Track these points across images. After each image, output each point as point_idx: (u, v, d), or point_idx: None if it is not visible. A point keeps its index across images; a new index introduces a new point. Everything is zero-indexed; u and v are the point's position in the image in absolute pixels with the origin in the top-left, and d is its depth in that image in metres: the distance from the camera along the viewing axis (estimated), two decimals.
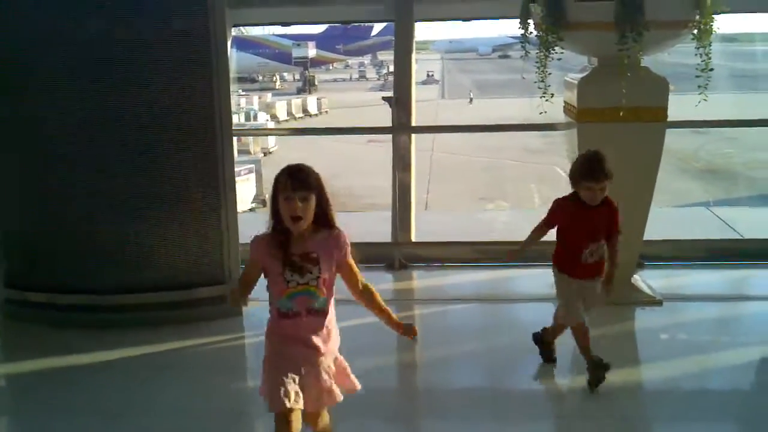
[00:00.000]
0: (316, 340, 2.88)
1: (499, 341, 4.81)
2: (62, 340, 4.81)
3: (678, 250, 6.16)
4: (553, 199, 4.01)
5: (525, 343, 4.34)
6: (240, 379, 4.41)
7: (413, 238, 6.40)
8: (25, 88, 4.85)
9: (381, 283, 5.97)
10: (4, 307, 5.28)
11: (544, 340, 4.27)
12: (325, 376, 2.92)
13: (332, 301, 2.95)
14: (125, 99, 4.76)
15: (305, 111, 43.67)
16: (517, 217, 10.73)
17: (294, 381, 2.81)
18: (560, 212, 3.95)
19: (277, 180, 2.81)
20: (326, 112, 44.63)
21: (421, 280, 6.09)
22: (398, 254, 6.16)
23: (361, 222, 9.05)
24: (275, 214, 2.81)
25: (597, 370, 3.84)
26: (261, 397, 2.91)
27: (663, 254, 6.02)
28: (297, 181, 2.76)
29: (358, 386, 3.09)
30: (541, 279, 5.70)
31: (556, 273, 4.05)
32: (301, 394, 2.82)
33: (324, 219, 2.84)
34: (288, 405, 2.75)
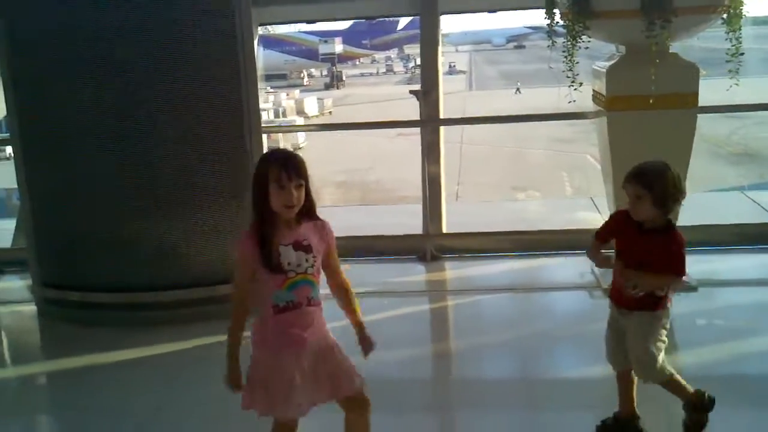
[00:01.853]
0: (316, 330, 2.78)
1: (532, 331, 4.81)
2: (97, 338, 4.89)
3: (712, 235, 6.09)
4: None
5: (557, 332, 4.34)
6: None
7: (444, 230, 6.41)
8: (54, 86, 4.93)
9: (413, 274, 6.01)
10: (43, 306, 5.38)
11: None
12: (337, 355, 2.82)
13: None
14: (153, 97, 4.81)
15: (300, 113, 38.21)
16: (549, 206, 10.71)
17: (302, 392, 2.72)
18: (612, 224, 3.42)
19: (267, 168, 2.70)
20: (329, 113, 40.78)
21: (453, 270, 6.10)
22: (430, 246, 6.18)
23: (393, 215, 9.10)
24: (261, 204, 2.70)
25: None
26: (247, 410, 2.79)
27: (697, 240, 5.96)
28: (292, 169, 2.68)
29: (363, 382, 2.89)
30: (572, 268, 5.73)
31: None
32: (308, 399, 2.75)
33: (309, 209, 2.77)
34: (297, 415, 2.77)
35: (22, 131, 5.16)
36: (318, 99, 42.72)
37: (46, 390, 4.64)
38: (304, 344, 2.75)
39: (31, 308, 5.46)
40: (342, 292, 2.94)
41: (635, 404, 3.39)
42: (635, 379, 3.35)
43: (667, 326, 3.28)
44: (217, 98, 4.89)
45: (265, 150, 5.23)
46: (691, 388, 3.32)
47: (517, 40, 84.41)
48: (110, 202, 4.97)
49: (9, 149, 6.42)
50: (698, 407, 3.30)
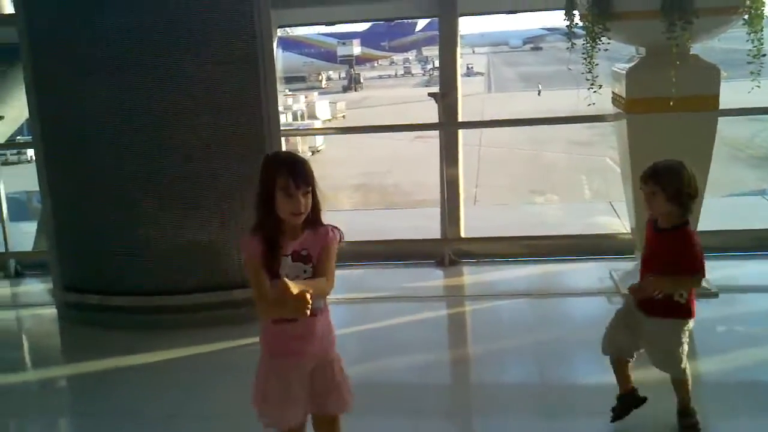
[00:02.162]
0: (315, 340, 2.70)
1: (550, 336, 4.78)
2: (116, 342, 4.92)
3: (733, 240, 6.03)
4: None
5: (576, 338, 4.31)
6: None
7: (462, 234, 6.39)
8: (76, 90, 4.97)
9: (431, 279, 5.99)
10: (64, 309, 5.42)
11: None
12: (336, 371, 2.77)
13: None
14: (171, 100, 4.83)
15: (311, 117, 36.70)
16: (568, 210, 10.65)
17: (297, 401, 2.70)
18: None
19: (273, 174, 2.60)
20: (343, 116, 40.04)
21: (471, 275, 6.09)
22: (448, 250, 6.16)
23: (411, 218, 9.08)
24: (264, 208, 2.63)
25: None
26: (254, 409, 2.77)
27: (717, 245, 5.90)
28: (300, 176, 2.60)
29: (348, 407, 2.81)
30: (591, 273, 5.69)
31: None
32: (303, 409, 2.73)
33: (315, 215, 2.68)
34: (292, 425, 2.72)
35: (44, 134, 5.20)
36: (330, 102, 42.01)
37: (66, 393, 4.67)
38: (302, 355, 2.70)
39: (52, 311, 5.50)
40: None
41: (632, 379, 3.49)
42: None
43: (690, 329, 3.35)
44: (237, 101, 4.91)
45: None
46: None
47: (533, 41, 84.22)
48: (130, 205, 5.00)
49: (31, 152, 6.47)
50: (688, 413, 3.42)
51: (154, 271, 5.05)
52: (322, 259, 2.68)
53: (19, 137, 11.19)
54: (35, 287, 6.34)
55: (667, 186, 3.19)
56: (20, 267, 6.53)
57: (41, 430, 4.21)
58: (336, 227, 2.74)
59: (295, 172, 2.60)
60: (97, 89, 4.90)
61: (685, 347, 3.36)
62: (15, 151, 22.66)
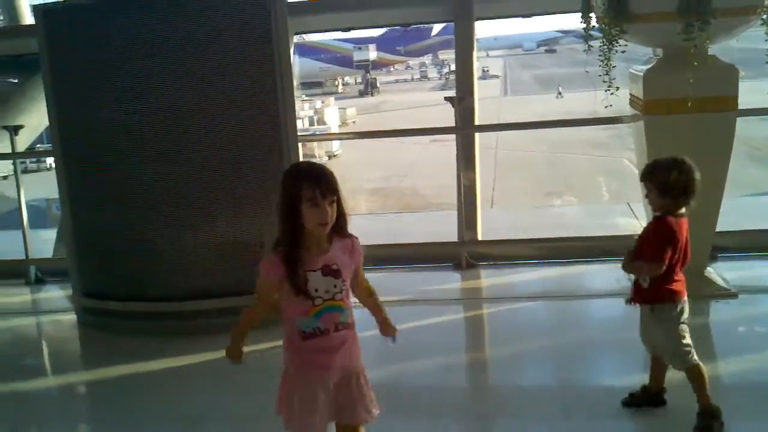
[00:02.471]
0: (344, 354, 2.70)
1: (568, 339, 4.76)
2: (136, 348, 4.95)
3: (752, 240, 5.99)
4: None
5: (594, 340, 4.30)
6: None
7: (480, 237, 6.39)
8: (95, 98, 5.02)
9: (449, 282, 6.00)
10: (84, 316, 5.46)
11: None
12: (361, 383, 2.76)
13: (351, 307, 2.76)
14: (191, 107, 4.87)
15: (321, 124, 35.57)
16: (586, 212, 10.61)
17: (322, 413, 2.69)
18: None
19: (298, 185, 2.58)
20: (353, 122, 39.41)
21: (488, 278, 6.08)
22: (465, 253, 6.16)
23: (428, 222, 9.09)
24: (288, 222, 2.59)
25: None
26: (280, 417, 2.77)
27: (736, 246, 5.88)
28: (325, 185, 2.56)
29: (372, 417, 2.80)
30: (609, 275, 5.66)
31: None
32: (326, 420, 2.73)
33: (341, 225, 2.65)
34: None
35: (64, 142, 5.26)
36: (340, 108, 41.73)
37: (86, 399, 4.69)
38: (329, 369, 2.68)
39: (72, 317, 5.55)
40: (366, 295, 2.88)
41: (664, 382, 3.62)
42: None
43: (684, 317, 3.45)
44: (254, 107, 4.93)
45: (301, 158, 5.27)
46: (709, 394, 3.43)
47: (548, 44, 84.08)
48: (150, 211, 5.04)
49: (50, 160, 6.55)
50: (708, 414, 3.42)
51: (174, 276, 5.08)
52: (359, 273, 2.76)
53: (39, 145, 11.33)
54: (55, 294, 6.40)
55: (655, 181, 3.38)
56: (40, 273, 6.60)
57: None
58: (355, 236, 2.74)
59: (321, 181, 2.57)
60: (117, 99, 4.95)
61: (686, 339, 3.44)
62: (35, 159, 22.90)
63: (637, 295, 3.49)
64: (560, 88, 42.26)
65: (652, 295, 3.44)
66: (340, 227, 2.65)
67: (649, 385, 3.66)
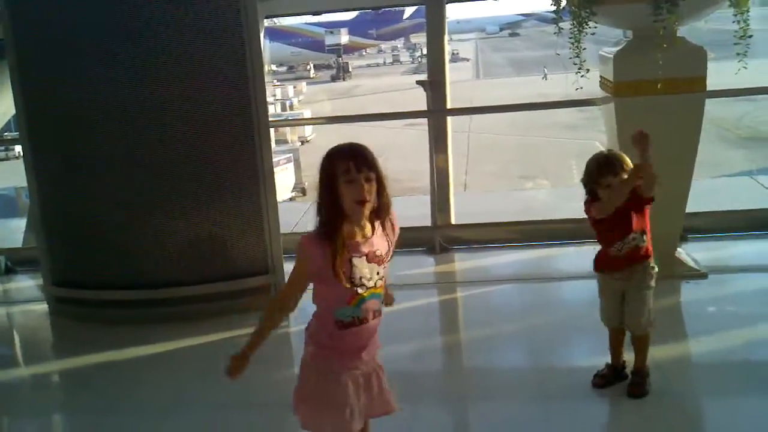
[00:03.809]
0: (375, 343, 2.61)
1: (542, 321, 4.80)
2: (108, 337, 4.92)
3: (722, 221, 6.07)
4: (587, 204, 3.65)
5: (568, 322, 4.34)
6: (288, 369, 4.44)
7: (453, 221, 6.40)
8: (62, 84, 4.95)
9: (422, 266, 6.01)
10: (55, 305, 5.40)
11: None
12: (382, 378, 2.65)
13: None
14: (161, 92, 4.82)
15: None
16: (558, 195, 10.67)
17: (359, 413, 2.55)
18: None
19: (333, 164, 2.42)
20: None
21: (462, 262, 6.10)
22: (438, 237, 6.17)
23: (402, 206, 9.07)
24: (329, 206, 2.43)
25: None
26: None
27: (706, 226, 5.95)
28: (360, 159, 2.41)
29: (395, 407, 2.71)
30: (582, 257, 5.68)
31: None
32: (362, 415, 2.59)
33: (383, 209, 2.50)
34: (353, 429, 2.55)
35: (31, 129, 5.18)
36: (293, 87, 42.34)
37: (58, 389, 4.65)
38: (361, 360, 2.56)
39: (43, 307, 5.49)
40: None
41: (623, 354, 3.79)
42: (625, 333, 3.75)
43: (654, 278, 3.64)
44: (225, 92, 4.89)
45: (273, 143, 5.24)
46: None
47: (510, 27, 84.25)
48: (119, 199, 4.99)
49: (18, 148, 6.45)
50: (644, 374, 3.69)
51: (144, 264, 5.05)
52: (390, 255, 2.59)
53: (6, 133, 11.14)
54: (25, 283, 6.32)
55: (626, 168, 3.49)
56: (10, 263, 6.51)
57: (34, 427, 4.20)
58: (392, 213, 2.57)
59: (355, 154, 2.42)
60: (84, 82, 4.88)
61: (651, 294, 3.64)
62: (3, 148, 22.57)
63: (640, 255, 3.59)
64: (546, 70, 42.25)
65: (647, 250, 3.61)
66: (382, 211, 2.50)
67: (614, 361, 3.79)
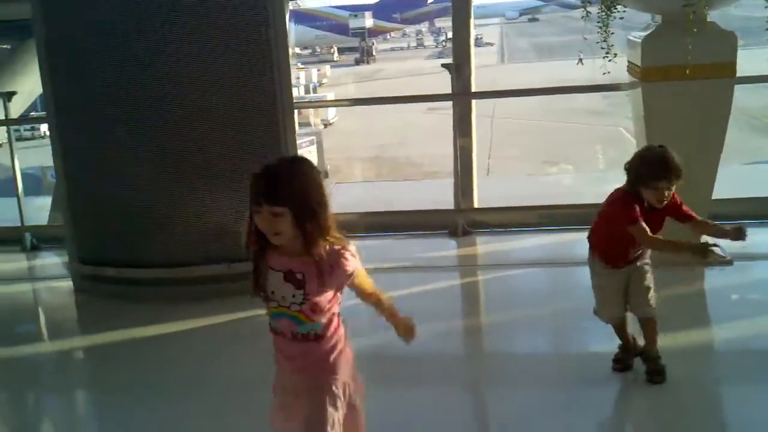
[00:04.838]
0: (306, 366, 2.43)
1: (564, 306, 4.77)
2: (133, 314, 4.96)
3: (749, 208, 5.99)
4: (619, 192, 3.50)
5: (589, 307, 4.30)
6: None
7: (476, 204, 6.38)
8: (90, 65, 4.96)
9: (444, 249, 6.00)
10: (80, 282, 5.46)
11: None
12: (315, 404, 2.41)
13: (337, 320, 2.46)
14: (187, 72, 4.83)
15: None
16: (582, 180, 10.61)
17: (283, 407, 2.50)
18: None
19: (250, 186, 2.28)
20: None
21: (484, 245, 6.09)
22: (461, 220, 6.16)
23: (424, 190, 9.07)
24: (249, 220, 2.34)
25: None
26: None
27: (733, 213, 5.87)
28: (261, 191, 2.24)
29: None
30: None
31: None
32: (282, 425, 2.51)
33: (308, 245, 2.28)
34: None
35: (58, 109, 5.22)
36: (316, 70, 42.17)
37: (83, 365, 4.73)
38: (285, 370, 2.49)
39: (68, 284, 5.55)
40: (373, 300, 2.61)
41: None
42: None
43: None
44: (250, 75, 4.89)
45: (297, 126, 5.24)
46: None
47: (530, 12, 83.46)
48: (144, 178, 5.01)
49: (44, 127, 6.50)
50: (658, 359, 3.61)
51: (169, 243, 5.08)
52: (355, 283, 2.45)
53: (33, 113, 11.25)
54: (51, 260, 6.40)
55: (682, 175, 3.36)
56: (36, 240, 6.59)
57: (58, 401, 4.26)
58: (344, 252, 2.34)
59: (259, 184, 2.25)
60: (113, 68, 4.90)
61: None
62: (29, 127, 22.76)
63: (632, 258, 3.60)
64: (581, 54, 41.84)
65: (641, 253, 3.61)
66: (307, 246, 2.28)
67: (625, 345, 3.75)
